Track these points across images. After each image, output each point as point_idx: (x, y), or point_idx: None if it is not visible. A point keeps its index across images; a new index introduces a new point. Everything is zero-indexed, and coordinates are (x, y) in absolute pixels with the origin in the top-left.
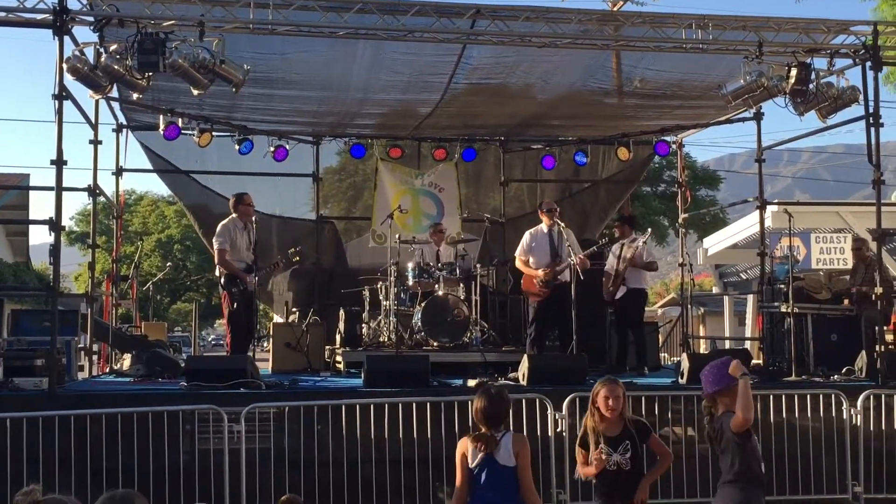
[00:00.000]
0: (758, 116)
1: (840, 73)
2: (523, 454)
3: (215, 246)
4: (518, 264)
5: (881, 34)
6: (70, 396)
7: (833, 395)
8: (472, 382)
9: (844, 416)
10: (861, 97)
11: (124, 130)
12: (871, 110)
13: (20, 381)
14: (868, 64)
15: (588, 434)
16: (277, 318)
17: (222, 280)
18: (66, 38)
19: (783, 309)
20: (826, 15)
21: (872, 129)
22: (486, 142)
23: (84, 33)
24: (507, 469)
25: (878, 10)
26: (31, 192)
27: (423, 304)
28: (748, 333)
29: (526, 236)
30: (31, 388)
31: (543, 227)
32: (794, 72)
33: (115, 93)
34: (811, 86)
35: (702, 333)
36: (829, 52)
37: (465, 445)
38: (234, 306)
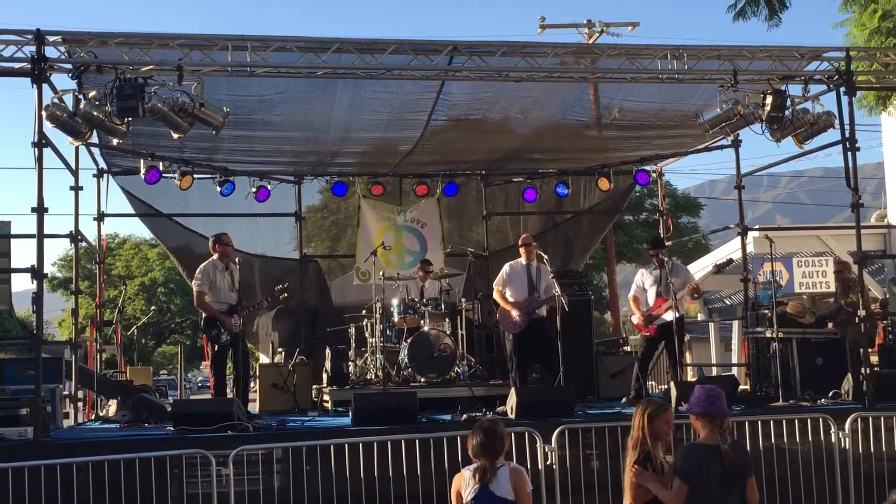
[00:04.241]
0: (736, 144)
1: (815, 99)
2: (522, 488)
3: (194, 289)
4: (495, 295)
5: (853, 59)
6: (56, 445)
7: (821, 419)
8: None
9: (833, 440)
10: (836, 122)
11: (105, 175)
12: (846, 135)
13: (4, 431)
14: (842, 89)
15: (655, 460)
16: (264, 359)
17: (202, 323)
18: (45, 86)
19: (768, 334)
20: (799, 42)
21: (849, 154)
22: (467, 176)
23: (63, 80)
24: (505, 501)
25: (849, 35)
26: (13, 240)
27: (409, 341)
28: (734, 359)
29: (505, 268)
30: (16, 438)
31: (522, 260)
32: (769, 99)
33: (95, 138)
34: (787, 112)
35: (688, 360)
36: (803, 78)
37: (458, 483)
38: (215, 348)
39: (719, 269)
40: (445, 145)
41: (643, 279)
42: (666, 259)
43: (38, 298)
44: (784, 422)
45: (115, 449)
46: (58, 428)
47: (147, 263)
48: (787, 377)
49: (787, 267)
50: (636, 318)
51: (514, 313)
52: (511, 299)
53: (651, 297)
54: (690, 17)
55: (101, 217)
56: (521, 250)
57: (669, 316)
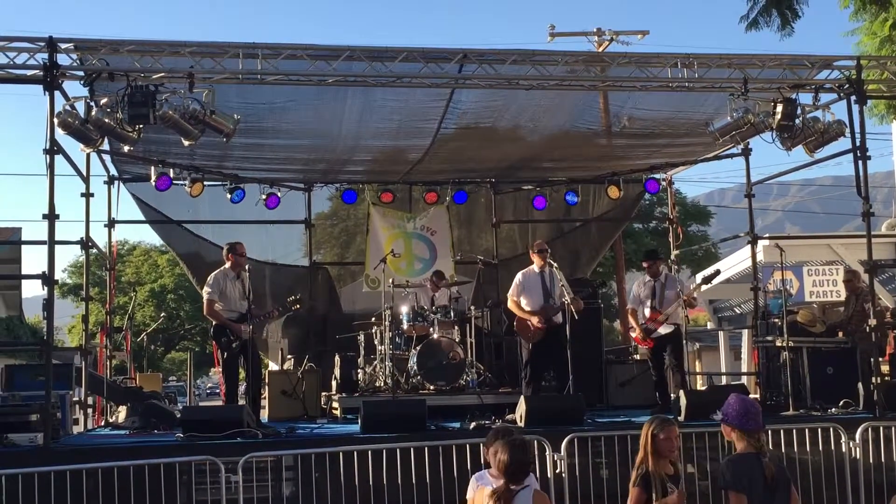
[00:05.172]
0: (746, 152)
1: (825, 108)
2: None
3: (204, 296)
4: (510, 305)
5: (864, 68)
6: (65, 451)
7: (831, 429)
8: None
9: (843, 450)
10: (847, 130)
11: (116, 182)
12: (857, 143)
13: (15, 437)
14: (853, 98)
15: (651, 477)
16: (273, 366)
17: (212, 331)
18: (57, 93)
19: (778, 343)
20: (809, 50)
21: (860, 163)
22: (477, 184)
23: (74, 88)
24: None
25: (860, 44)
26: (24, 246)
27: (418, 348)
28: (744, 368)
29: (518, 276)
30: (27, 444)
31: (535, 267)
32: (779, 107)
33: (106, 145)
34: (797, 121)
35: (698, 369)
36: (813, 87)
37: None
38: (225, 356)
39: (707, 280)
40: (455, 153)
41: (639, 291)
42: (662, 269)
43: (48, 305)
44: (794, 431)
45: (125, 455)
46: (68, 434)
47: (157, 270)
48: (797, 386)
49: (798, 276)
50: (634, 333)
51: (535, 320)
52: (527, 308)
53: (647, 309)
54: (700, 25)
55: (111, 224)
56: (535, 257)
57: (665, 329)
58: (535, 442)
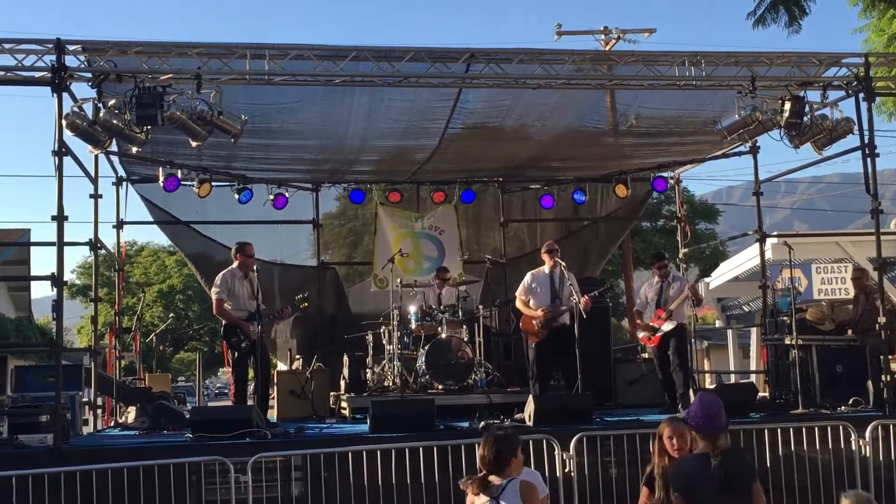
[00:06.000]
0: (754, 150)
1: (834, 105)
2: (531, 499)
3: (213, 296)
4: (518, 304)
5: (872, 65)
6: (75, 452)
7: (841, 427)
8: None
9: (853, 448)
10: (855, 128)
11: (124, 183)
12: (865, 141)
13: (25, 438)
14: (861, 95)
15: (654, 476)
16: (281, 366)
17: (222, 330)
18: (65, 95)
19: (787, 341)
20: (817, 47)
21: (868, 160)
22: (484, 183)
23: (82, 89)
24: None
25: (868, 41)
26: (33, 247)
27: (426, 348)
28: (753, 366)
29: (527, 276)
30: (37, 445)
31: (545, 268)
32: (787, 105)
33: (114, 147)
34: (805, 118)
35: (706, 367)
36: (821, 84)
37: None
38: (235, 355)
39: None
40: (462, 153)
41: (646, 293)
42: (670, 268)
43: (58, 306)
44: (804, 429)
45: (134, 456)
46: (77, 435)
47: (165, 270)
48: (806, 384)
49: (806, 273)
50: (640, 332)
51: (538, 313)
52: (535, 308)
53: (654, 309)
54: (707, 23)
55: (120, 225)
56: (545, 257)
57: (668, 326)
58: (544, 441)
